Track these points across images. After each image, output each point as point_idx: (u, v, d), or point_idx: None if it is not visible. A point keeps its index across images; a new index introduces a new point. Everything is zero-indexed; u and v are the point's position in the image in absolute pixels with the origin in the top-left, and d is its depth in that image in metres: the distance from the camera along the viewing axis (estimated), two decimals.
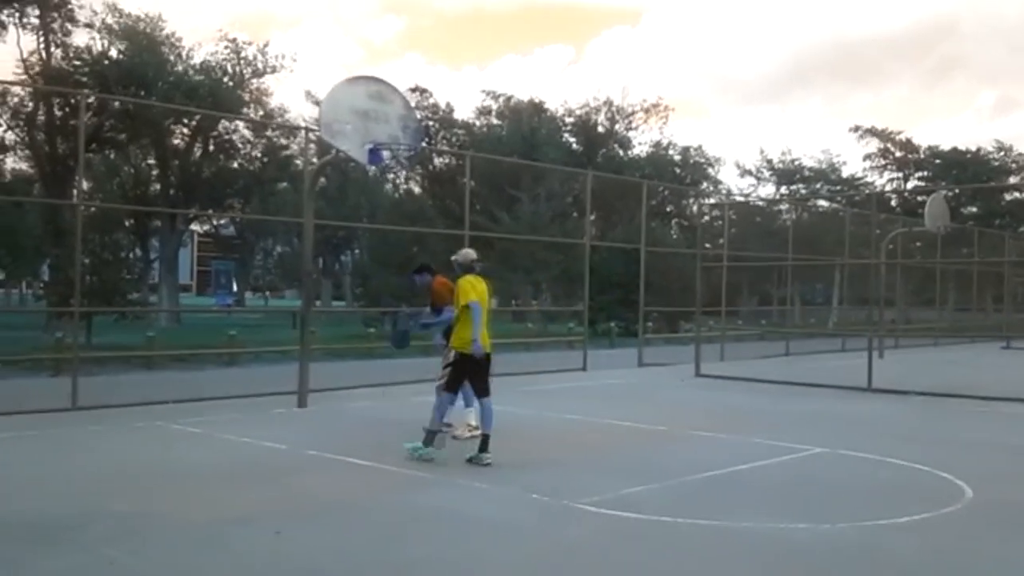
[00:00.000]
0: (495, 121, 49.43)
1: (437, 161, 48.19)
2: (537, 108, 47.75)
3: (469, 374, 8.31)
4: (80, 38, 30.84)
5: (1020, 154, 56.06)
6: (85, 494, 7.00)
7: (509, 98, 49.80)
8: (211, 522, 6.17)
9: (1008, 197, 55.07)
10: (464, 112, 50.96)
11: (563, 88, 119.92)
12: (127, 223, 35.85)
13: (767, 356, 22.68)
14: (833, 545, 5.85)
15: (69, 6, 29.29)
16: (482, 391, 8.39)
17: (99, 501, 6.75)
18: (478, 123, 49.86)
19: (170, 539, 5.77)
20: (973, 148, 55.82)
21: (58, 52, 30.06)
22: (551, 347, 24.59)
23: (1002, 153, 55.74)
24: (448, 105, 48.65)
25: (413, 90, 46.32)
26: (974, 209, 53.68)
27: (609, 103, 48.73)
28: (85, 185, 36.14)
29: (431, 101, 48.08)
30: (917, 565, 5.47)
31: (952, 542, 6.03)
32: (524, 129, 44.50)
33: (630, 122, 49.46)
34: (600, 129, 48.83)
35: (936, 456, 8.88)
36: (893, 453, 9.09)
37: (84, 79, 29.57)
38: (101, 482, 7.47)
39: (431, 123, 47.46)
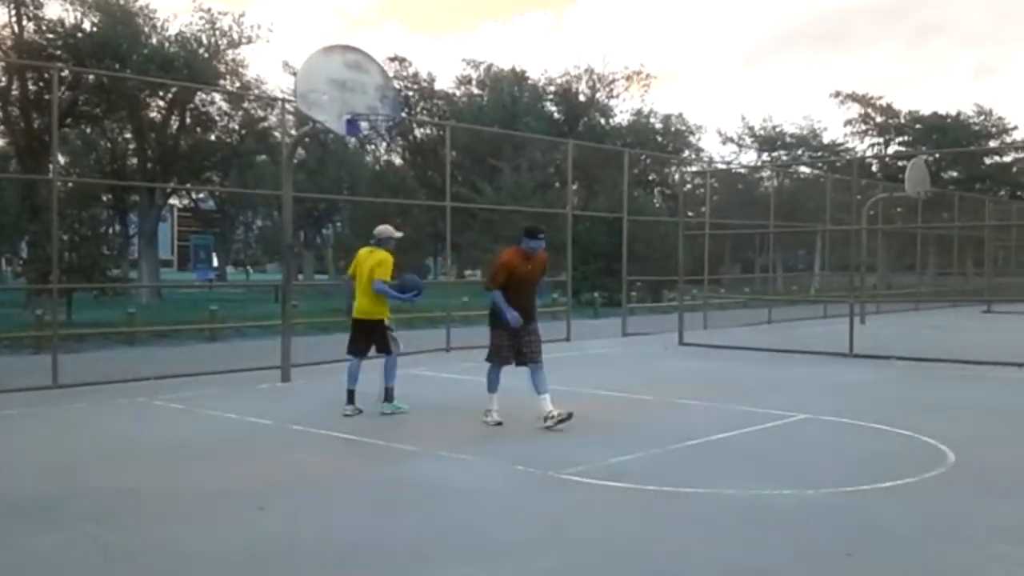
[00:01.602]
0: (476, 91, 49.19)
1: (418, 132, 47.93)
2: (518, 77, 47.51)
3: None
4: (53, 10, 30.33)
5: (1000, 118, 56.21)
6: (67, 472, 6.94)
7: (490, 67, 49.56)
8: (195, 498, 6.13)
9: (988, 161, 55.30)
10: (445, 82, 50.66)
11: (544, 56, 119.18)
12: (105, 198, 35.50)
13: (750, 324, 22.77)
14: (818, 511, 5.87)
15: None
16: None
17: (81, 478, 6.71)
18: (459, 93, 49.58)
19: (153, 516, 5.73)
20: (953, 112, 55.92)
21: (31, 25, 29.54)
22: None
23: (982, 117, 55.88)
24: (429, 75, 48.39)
25: (392, 59, 46.07)
26: (955, 174, 53.88)
27: (590, 71, 48.57)
28: (62, 160, 35.93)
29: (411, 71, 47.79)
30: (901, 529, 5.50)
31: (936, 506, 6.06)
32: (505, 98, 44.28)
33: (611, 90, 49.33)
34: (581, 98, 48.65)
35: (918, 421, 8.94)
36: (876, 419, 9.15)
37: (58, 52, 29.10)
38: (83, 460, 7.41)
39: (411, 93, 47.16)
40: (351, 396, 9.48)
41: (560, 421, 8.36)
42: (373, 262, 9.49)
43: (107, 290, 23.21)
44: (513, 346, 8.76)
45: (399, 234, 10.03)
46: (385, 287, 9.44)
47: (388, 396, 9.54)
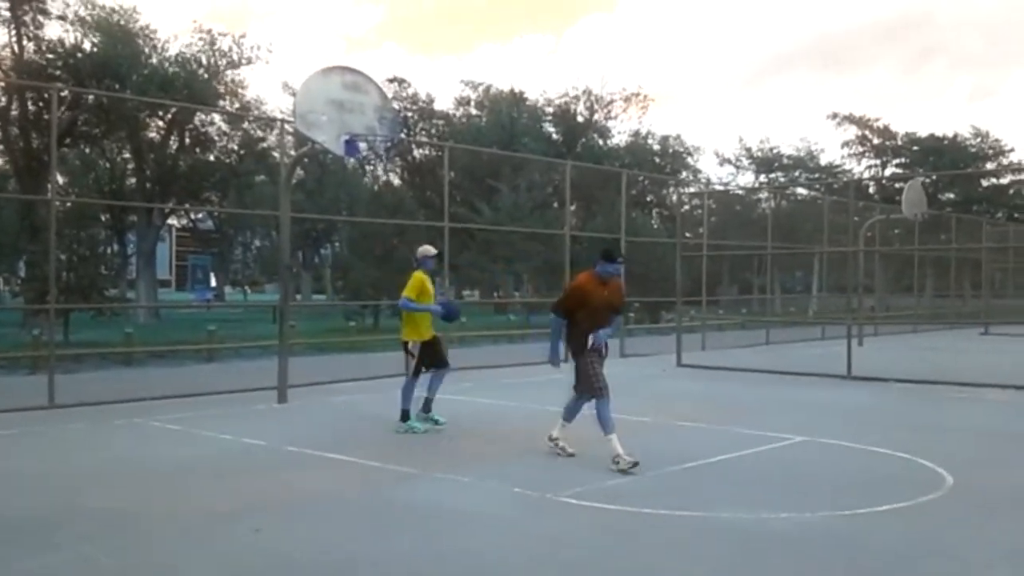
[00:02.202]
0: (474, 111, 49.35)
1: (417, 152, 48.04)
2: (517, 98, 47.68)
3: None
4: (53, 31, 30.47)
5: (997, 140, 56.52)
6: (63, 492, 6.92)
7: (488, 88, 49.74)
8: (190, 520, 6.10)
9: (985, 183, 55.46)
10: (444, 103, 50.84)
11: (543, 77, 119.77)
12: (103, 218, 35.53)
13: (748, 345, 22.75)
14: (815, 534, 5.85)
15: (41, 0, 28.91)
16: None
17: (77, 499, 6.68)
18: (457, 113, 49.73)
19: (149, 537, 5.71)
20: (950, 134, 56.20)
21: (31, 45, 29.68)
22: (533, 339, 24.53)
23: (979, 139, 56.14)
24: (428, 95, 48.53)
25: (392, 80, 46.20)
26: (952, 195, 54.08)
27: (588, 92, 48.74)
28: (60, 180, 35.97)
29: (410, 91, 47.93)
30: (898, 553, 5.48)
31: (933, 529, 6.04)
32: (504, 119, 44.41)
33: (609, 111, 49.51)
34: (580, 119, 48.81)
35: (916, 443, 8.92)
36: (873, 441, 9.13)
37: (58, 72, 29.21)
38: (79, 480, 7.38)
39: (410, 114, 47.30)
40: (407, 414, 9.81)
41: (633, 466, 7.55)
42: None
43: (105, 310, 23.20)
44: None
45: (433, 251, 10.07)
46: (407, 303, 9.62)
47: (402, 416, 9.74)
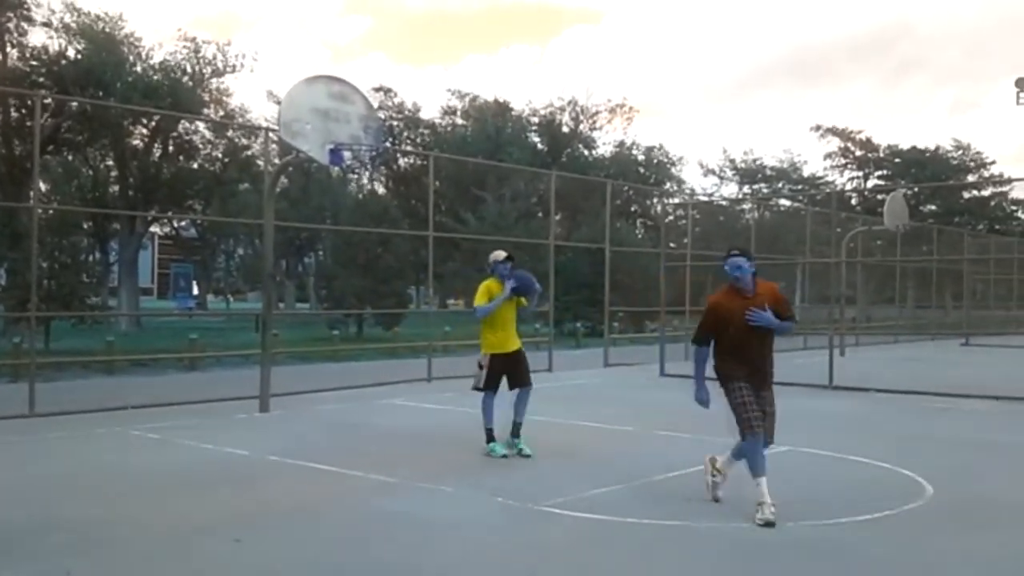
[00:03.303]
0: (460, 121, 49.44)
1: (402, 161, 48.07)
2: (502, 108, 47.82)
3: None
4: (37, 38, 30.39)
5: (978, 153, 57.08)
6: (42, 502, 6.86)
7: (474, 98, 49.86)
8: (170, 530, 6.06)
9: (966, 195, 55.96)
10: (429, 112, 50.92)
11: (528, 88, 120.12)
12: (85, 226, 35.32)
13: None
14: (797, 544, 5.87)
15: (25, 5, 28.75)
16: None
17: (56, 509, 6.62)
18: (443, 123, 49.82)
19: (128, 548, 5.66)
20: (932, 147, 56.68)
21: (14, 52, 29.53)
22: None
23: (960, 152, 56.64)
24: (414, 105, 48.62)
25: (377, 90, 46.28)
26: (933, 207, 54.51)
27: (574, 103, 48.96)
28: (43, 187, 35.76)
29: (396, 101, 48.01)
30: (880, 563, 5.50)
31: (914, 539, 6.07)
32: (489, 129, 44.51)
33: (594, 122, 49.75)
34: (565, 129, 49.00)
35: (898, 453, 8.96)
36: (855, 451, 9.16)
37: (41, 80, 29.08)
38: (58, 490, 7.32)
39: (396, 123, 47.35)
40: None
41: (766, 524, 6.19)
42: None
43: (86, 318, 23.05)
44: None
45: (503, 255, 9.01)
46: (480, 309, 8.94)
47: (486, 436, 8.96)
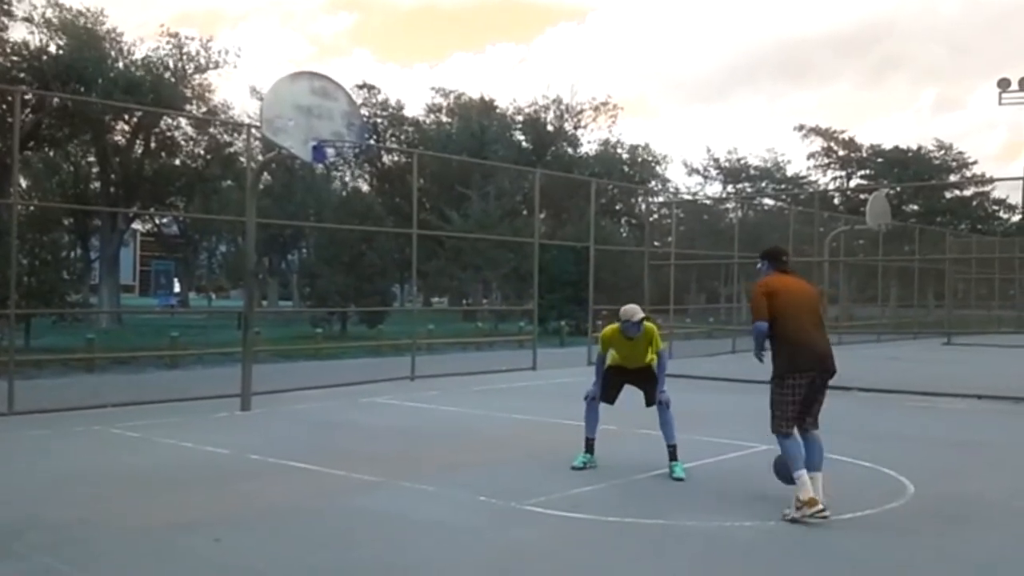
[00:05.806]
0: (445, 119, 49.37)
1: (386, 159, 47.95)
2: (487, 106, 47.79)
3: None
4: (18, 33, 30.10)
5: (960, 153, 57.52)
6: (21, 501, 6.79)
7: (459, 96, 49.81)
8: (150, 529, 6.00)
9: (949, 195, 56.34)
10: (414, 110, 50.83)
11: (513, 86, 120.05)
12: (66, 222, 35.07)
13: (714, 353, 22.84)
14: (778, 543, 5.87)
15: (6, 1, 28.52)
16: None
17: (36, 508, 6.56)
18: (428, 120, 49.74)
19: (108, 547, 5.61)
20: (914, 147, 57.09)
21: None
22: (501, 346, 24.53)
23: (942, 152, 57.04)
24: (398, 102, 48.51)
25: (361, 87, 46.15)
26: (916, 207, 54.87)
27: (558, 101, 48.99)
28: (23, 183, 35.47)
29: (380, 98, 47.88)
30: (861, 561, 5.51)
31: (895, 538, 6.08)
32: (474, 127, 44.48)
33: (579, 120, 49.79)
34: (549, 127, 49.02)
35: (879, 452, 8.99)
36: (836, 450, 9.15)
37: (22, 75, 28.84)
38: (38, 488, 7.26)
39: (380, 120, 47.23)
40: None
41: (816, 513, 6.15)
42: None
43: (66, 315, 22.86)
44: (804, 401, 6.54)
45: (638, 317, 8.07)
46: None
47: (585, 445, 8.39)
